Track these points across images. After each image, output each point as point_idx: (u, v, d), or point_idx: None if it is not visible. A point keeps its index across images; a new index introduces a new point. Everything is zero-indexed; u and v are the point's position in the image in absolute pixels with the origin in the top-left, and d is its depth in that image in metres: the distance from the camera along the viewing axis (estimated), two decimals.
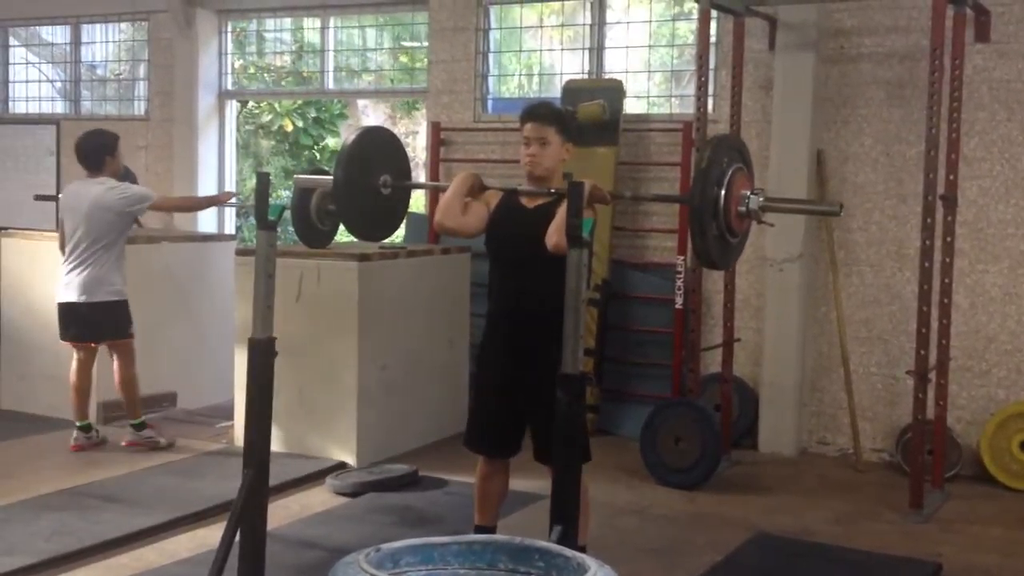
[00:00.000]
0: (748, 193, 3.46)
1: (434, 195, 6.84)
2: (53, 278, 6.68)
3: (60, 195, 5.91)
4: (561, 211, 3.46)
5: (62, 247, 5.83)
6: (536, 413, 3.85)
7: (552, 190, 3.78)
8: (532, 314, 3.80)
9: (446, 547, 2.19)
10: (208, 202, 6.90)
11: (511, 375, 3.89)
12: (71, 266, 5.76)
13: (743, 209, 3.45)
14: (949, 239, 5.40)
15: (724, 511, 5.20)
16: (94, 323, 5.80)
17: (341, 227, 4.05)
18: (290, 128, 12.13)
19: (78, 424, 5.94)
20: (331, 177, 3.78)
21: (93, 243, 5.70)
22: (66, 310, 5.82)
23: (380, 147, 3.90)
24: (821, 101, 6.23)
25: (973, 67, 5.79)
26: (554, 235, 3.57)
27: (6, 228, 7.30)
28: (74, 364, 5.95)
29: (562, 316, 3.20)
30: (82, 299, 5.73)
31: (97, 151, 5.84)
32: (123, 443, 5.92)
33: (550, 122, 3.88)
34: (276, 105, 11.91)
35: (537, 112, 3.92)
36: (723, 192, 3.38)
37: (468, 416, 4.22)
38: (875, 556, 4.56)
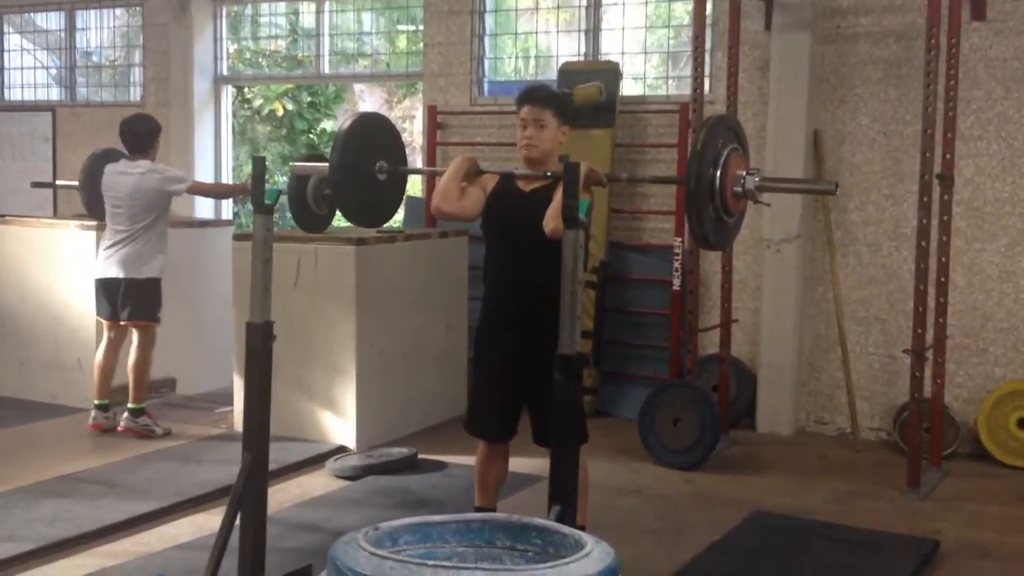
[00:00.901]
0: (744, 173, 3.46)
1: (431, 179, 6.85)
2: (50, 265, 6.72)
3: (105, 173, 5.98)
4: (558, 196, 3.46)
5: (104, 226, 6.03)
6: (536, 395, 3.86)
7: (548, 173, 3.78)
8: (529, 297, 3.80)
9: (444, 526, 2.21)
10: (239, 189, 6.81)
11: (510, 358, 3.90)
12: (110, 243, 5.88)
13: (739, 189, 3.44)
14: (946, 218, 5.40)
15: (722, 491, 5.22)
16: (128, 299, 5.86)
17: (339, 211, 4.05)
18: (281, 112, 12.09)
19: (96, 403, 5.98)
20: (327, 164, 3.78)
21: (131, 223, 5.83)
22: (104, 286, 5.92)
23: (375, 133, 3.89)
24: (817, 81, 6.22)
25: (969, 45, 5.78)
26: (552, 220, 3.57)
27: (3, 215, 7.31)
28: (104, 343, 6.03)
29: (558, 298, 3.20)
30: (120, 275, 5.84)
31: (147, 135, 5.95)
32: (118, 429, 5.92)
33: (547, 104, 3.88)
34: (268, 89, 11.87)
35: (534, 95, 3.92)
36: (719, 173, 3.38)
37: (468, 401, 4.23)
38: (873, 534, 4.58)
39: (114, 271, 5.86)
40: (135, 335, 5.95)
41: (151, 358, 6.01)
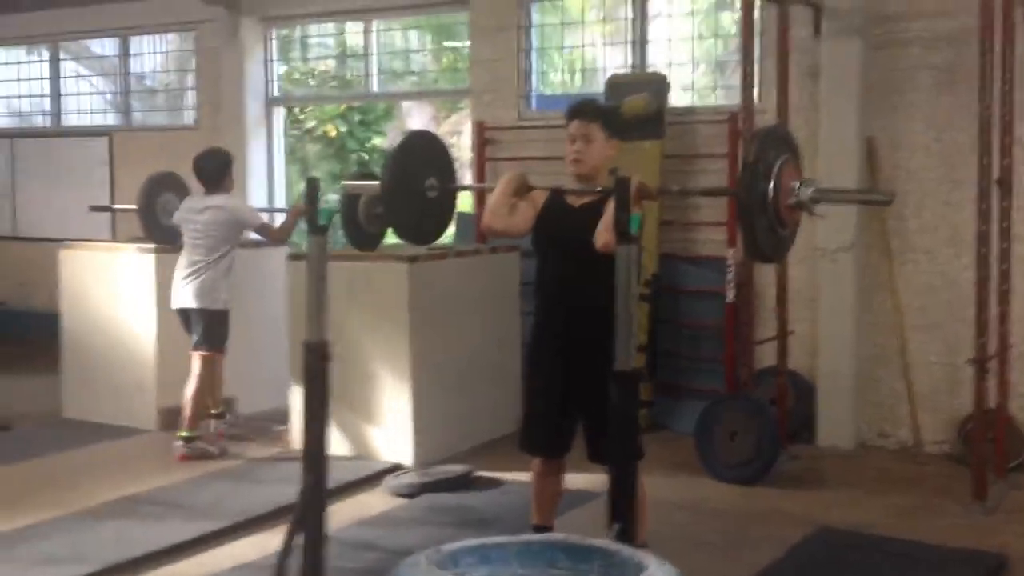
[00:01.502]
0: (798, 184, 3.42)
1: (481, 195, 6.86)
2: (111, 288, 6.83)
3: (183, 205, 6.19)
4: (609, 210, 3.45)
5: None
6: (590, 412, 3.85)
7: (599, 188, 3.77)
8: (581, 312, 3.80)
9: (505, 547, 2.20)
10: (296, 214, 6.29)
11: (562, 375, 3.89)
12: (186, 272, 6.01)
13: (793, 201, 3.40)
14: (1006, 224, 5.29)
15: (783, 506, 5.15)
16: (197, 328, 6.00)
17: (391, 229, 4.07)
18: (334, 134, 12.22)
19: (186, 432, 6.02)
20: (378, 182, 3.80)
21: (208, 253, 5.97)
22: (181, 315, 6.09)
23: (425, 151, 3.91)
24: (869, 87, 6.14)
25: None
26: (603, 235, 3.57)
27: (62, 240, 7.45)
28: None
29: (612, 313, 3.19)
30: (194, 305, 5.98)
31: (218, 170, 6.09)
32: (177, 457, 5.93)
33: (594, 119, 3.88)
34: (320, 110, 12.00)
35: (581, 109, 3.93)
36: (772, 185, 3.34)
37: (522, 419, 4.21)
38: (939, 549, 4.50)
39: (189, 301, 5.99)
40: (197, 364, 6.04)
41: (209, 388, 6.12)
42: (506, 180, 3.95)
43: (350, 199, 4.27)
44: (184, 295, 6.00)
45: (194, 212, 6.04)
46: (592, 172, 3.86)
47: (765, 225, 3.39)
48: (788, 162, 3.43)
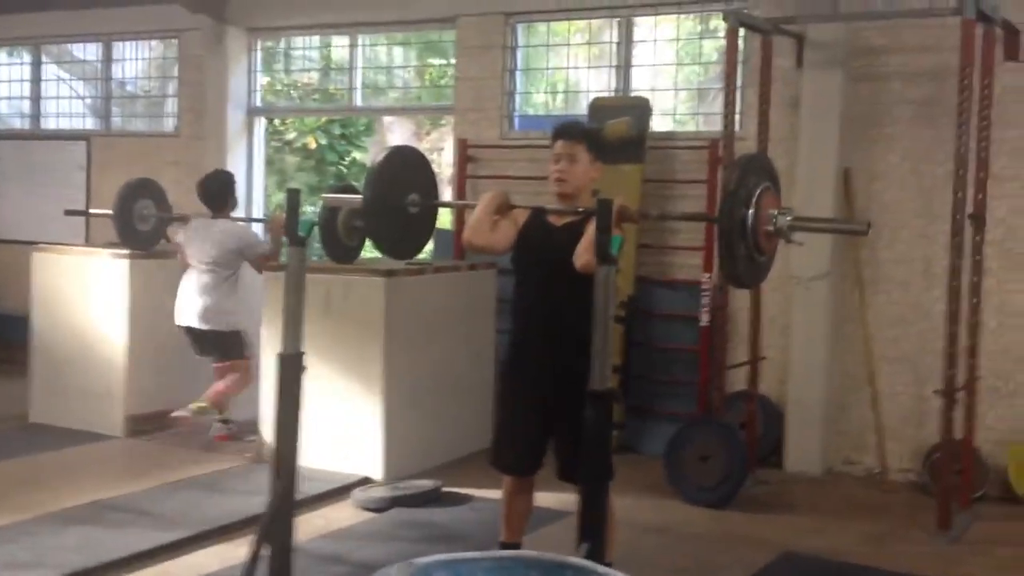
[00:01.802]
0: (776, 212, 3.46)
1: (461, 211, 6.88)
2: (83, 293, 6.78)
3: (189, 226, 6.37)
4: (590, 231, 3.48)
5: (183, 267, 6.32)
6: (562, 431, 3.85)
7: (580, 208, 3.80)
8: (557, 332, 3.81)
9: (477, 563, 2.19)
10: (279, 225, 6.04)
11: (536, 393, 3.90)
12: (191, 294, 6.17)
13: (771, 228, 3.44)
14: (978, 258, 5.36)
15: (750, 530, 5.17)
16: (214, 349, 6.25)
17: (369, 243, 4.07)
18: (314, 146, 12.22)
19: (224, 415, 6.48)
20: (359, 196, 3.82)
21: (214, 276, 6.14)
22: (190, 333, 6.27)
23: (408, 166, 3.93)
24: (849, 119, 6.21)
25: (1002, 86, 5.75)
26: (584, 254, 3.59)
27: (37, 243, 7.38)
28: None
29: (588, 333, 3.20)
30: (200, 326, 6.16)
31: (220, 192, 6.25)
32: (215, 437, 6.28)
33: (579, 139, 3.91)
34: (300, 122, 12.00)
35: (567, 130, 3.96)
36: (751, 211, 3.38)
37: (494, 435, 4.22)
38: None
39: (199, 322, 6.14)
40: (232, 369, 6.30)
41: (237, 389, 6.36)
42: (488, 197, 3.97)
43: (330, 212, 4.28)
44: (192, 315, 6.13)
45: (200, 234, 6.14)
46: (575, 192, 3.89)
47: (744, 251, 3.43)
48: (768, 190, 3.48)
